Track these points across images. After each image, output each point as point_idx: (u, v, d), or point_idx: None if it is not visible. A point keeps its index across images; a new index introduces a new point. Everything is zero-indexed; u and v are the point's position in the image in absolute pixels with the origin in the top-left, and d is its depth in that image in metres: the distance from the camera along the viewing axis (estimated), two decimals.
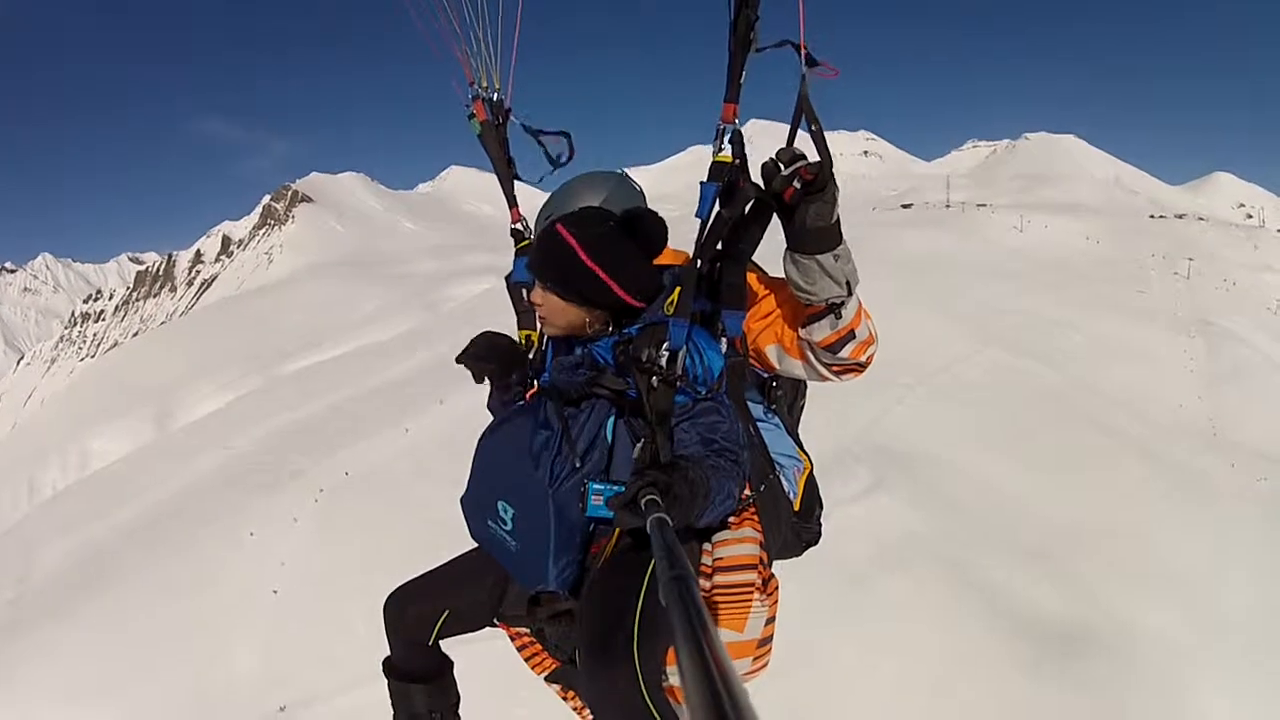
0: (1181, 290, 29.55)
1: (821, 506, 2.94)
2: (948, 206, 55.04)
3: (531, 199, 2.99)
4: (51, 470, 35.34)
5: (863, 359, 2.51)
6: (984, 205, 53.03)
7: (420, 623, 2.76)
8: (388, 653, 2.91)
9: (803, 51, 2.27)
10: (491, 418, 2.78)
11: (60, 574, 13.74)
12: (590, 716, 2.64)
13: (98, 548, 14.51)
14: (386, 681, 2.89)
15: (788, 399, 2.94)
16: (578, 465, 2.33)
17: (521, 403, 2.64)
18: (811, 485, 2.90)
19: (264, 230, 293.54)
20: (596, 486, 2.24)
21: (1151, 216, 53.01)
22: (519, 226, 3.15)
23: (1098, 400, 16.95)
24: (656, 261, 2.73)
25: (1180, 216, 56.41)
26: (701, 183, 2.41)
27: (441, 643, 2.83)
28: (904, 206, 60.65)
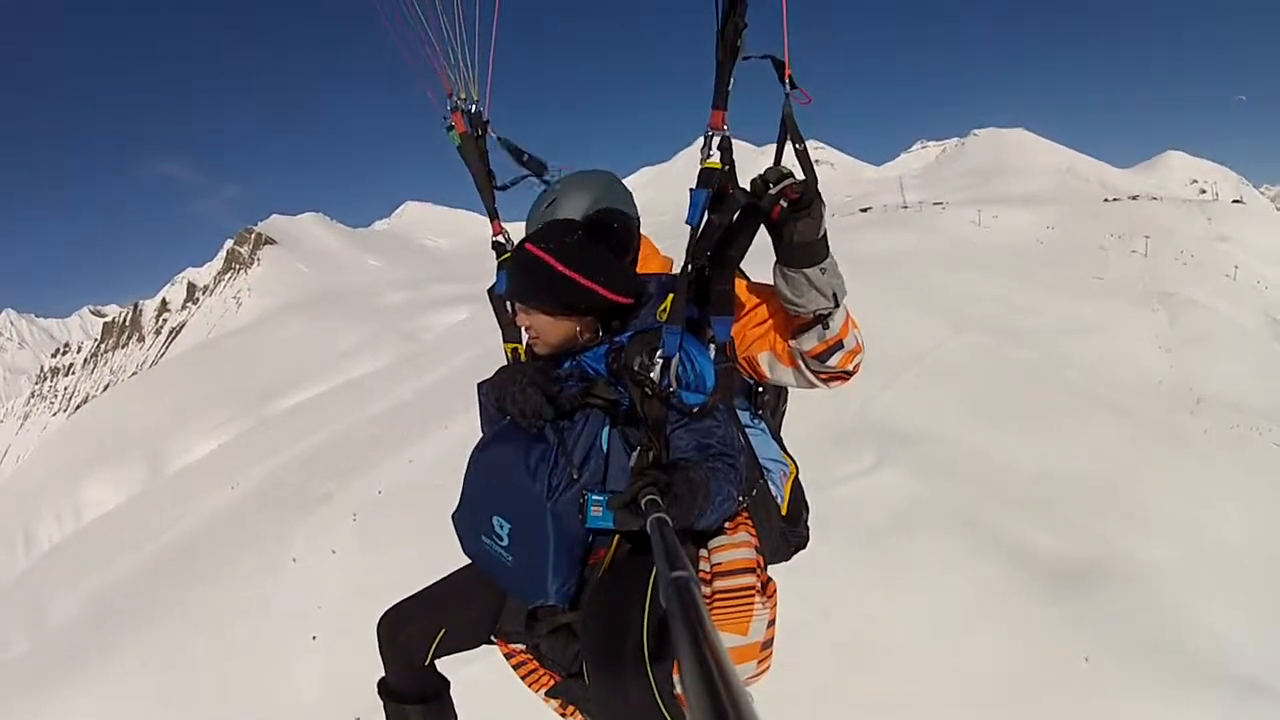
0: (1141, 267, 30.29)
1: (808, 510, 2.97)
2: (904, 207, 55.64)
3: (509, 211, 3.11)
4: (46, 523, 34.86)
5: (850, 367, 2.57)
6: (940, 203, 53.75)
7: (416, 643, 2.74)
8: (382, 675, 2.86)
9: (787, 70, 2.32)
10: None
11: (80, 620, 13.67)
12: None
13: (117, 590, 14.50)
14: (382, 704, 2.88)
15: (771, 404, 2.99)
16: (575, 476, 2.32)
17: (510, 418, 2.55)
18: (797, 489, 2.94)
19: (229, 275, 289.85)
20: (595, 497, 2.25)
21: (1106, 200, 53.97)
22: (501, 239, 3.11)
23: (1071, 371, 17.86)
24: (641, 269, 2.86)
25: (1134, 198, 57.38)
26: (691, 189, 2.41)
27: (437, 663, 2.82)
28: (862, 210, 61.22)
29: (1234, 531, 11.48)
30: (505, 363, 2.92)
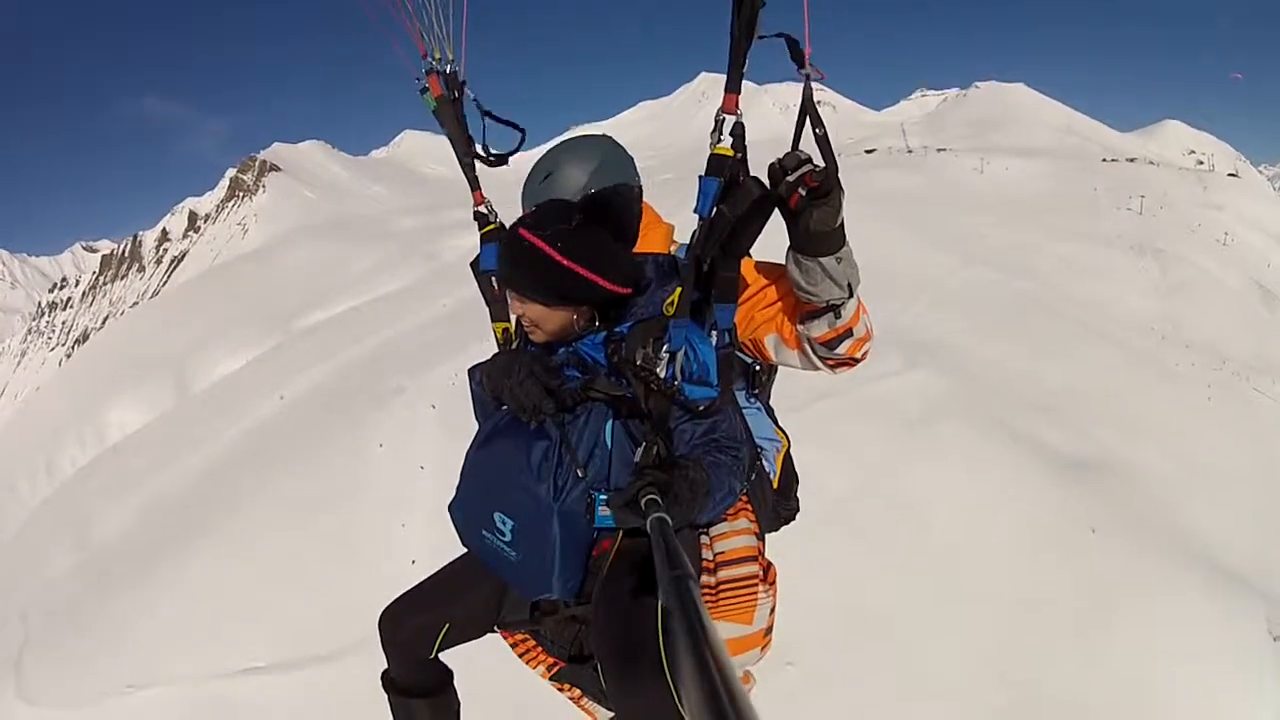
0: (1136, 223, 30.97)
1: (798, 482, 2.99)
2: (909, 151, 55.60)
3: (488, 180, 2.96)
4: (69, 448, 33.33)
5: (858, 355, 2.51)
6: (944, 149, 53.99)
7: (421, 636, 2.71)
8: (385, 668, 2.89)
9: (807, 51, 2.25)
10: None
11: (135, 530, 13.38)
12: (589, 707, 2.82)
13: (173, 496, 14.23)
14: (387, 697, 2.88)
15: (767, 380, 2.94)
16: (580, 475, 2.28)
17: (508, 410, 2.47)
18: (788, 463, 2.96)
19: (233, 202, 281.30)
20: (603, 497, 2.24)
21: (1104, 160, 54.22)
22: (483, 209, 3.00)
23: (1070, 305, 19.34)
24: (643, 239, 2.76)
25: (1132, 160, 57.56)
26: (701, 177, 2.33)
27: (440, 654, 2.80)
28: (867, 152, 61.11)
29: (1219, 452, 13.12)
30: (497, 346, 2.94)
